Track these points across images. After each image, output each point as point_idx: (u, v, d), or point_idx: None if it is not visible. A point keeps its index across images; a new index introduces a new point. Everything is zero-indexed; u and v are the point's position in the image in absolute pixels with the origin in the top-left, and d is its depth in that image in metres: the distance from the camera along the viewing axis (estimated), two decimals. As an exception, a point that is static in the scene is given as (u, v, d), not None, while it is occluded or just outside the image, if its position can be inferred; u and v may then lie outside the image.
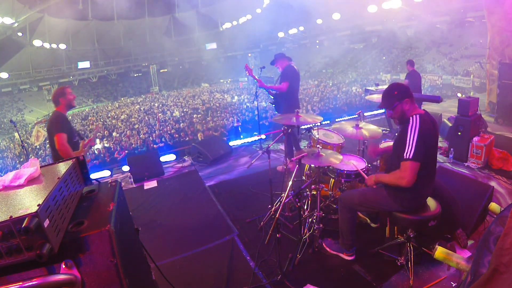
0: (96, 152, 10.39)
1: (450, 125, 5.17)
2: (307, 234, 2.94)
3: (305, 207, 3.23)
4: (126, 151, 9.70)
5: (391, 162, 2.43)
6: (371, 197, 2.44)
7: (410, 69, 6.54)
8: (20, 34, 23.48)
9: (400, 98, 2.23)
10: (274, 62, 4.40)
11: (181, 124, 12.18)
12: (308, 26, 29.29)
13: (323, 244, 2.90)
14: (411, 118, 2.18)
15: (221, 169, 5.33)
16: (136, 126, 13.47)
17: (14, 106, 26.05)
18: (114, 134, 12.98)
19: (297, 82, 4.40)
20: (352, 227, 2.63)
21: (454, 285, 2.28)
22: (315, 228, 2.96)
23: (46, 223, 1.01)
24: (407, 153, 2.09)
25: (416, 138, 2.08)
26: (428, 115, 2.25)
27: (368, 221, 3.08)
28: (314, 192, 3.00)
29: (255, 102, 5.43)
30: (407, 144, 2.10)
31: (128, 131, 12.50)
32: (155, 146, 9.78)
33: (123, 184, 4.80)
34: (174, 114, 15.47)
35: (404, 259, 2.49)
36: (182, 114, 14.81)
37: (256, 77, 4.48)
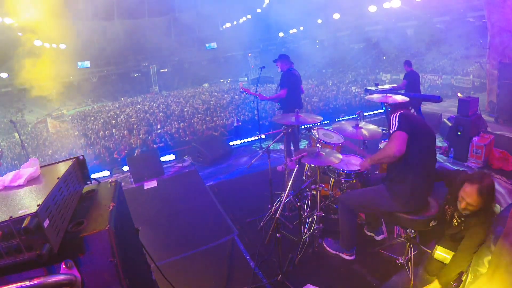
0: (96, 151, 10.39)
1: (450, 125, 5.17)
2: (307, 234, 2.95)
3: (305, 207, 3.23)
4: (126, 151, 9.69)
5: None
6: (371, 197, 2.44)
7: (408, 69, 6.53)
8: (20, 34, 23.46)
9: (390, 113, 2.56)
10: (277, 61, 4.47)
11: (180, 124, 12.17)
12: (308, 26, 29.26)
13: (323, 244, 2.90)
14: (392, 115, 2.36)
15: (221, 169, 5.33)
16: (135, 126, 13.45)
17: (14, 106, 26.03)
18: (113, 131, 12.98)
19: (297, 86, 4.47)
20: (353, 228, 2.63)
21: (454, 285, 2.28)
22: (315, 228, 2.96)
23: (46, 223, 1.01)
24: (392, 128, 2.23)
25: (398, 118, 2.24)
26: (410, 113, 2.41)
27: (373, 235, 2.99)
28: (314, 192, 3.00)
29: (255, 102, 5.44)
30: (391, 125, 2.25)
31: (126, 131, 12.48)
32: (155, 146, 9.77)
33: (123, 184, 4.80)
34: (175, 112, 15.46)
35: (404, 259, 2.49)
36: (182, 114, 14.80)
37: (255, 92, 4.68)
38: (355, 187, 3.11)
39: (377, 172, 3.44)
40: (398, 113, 2.29)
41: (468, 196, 1.98)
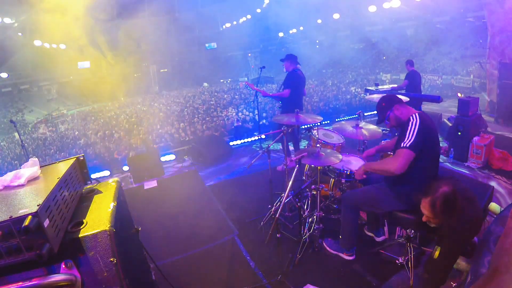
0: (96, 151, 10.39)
1: (450, 125, 5.17)
2: (307, 234, 2.94)
3: (305, 207, 3.23)
4: (126, 151, 9.68)
5: None
6: (374, 195, 2.44)
7: (410, 69, 6.53)
8: (20, 34, 23.45)
9: (389, 106, 2.36)
10: (284, 60, 4.46)
11: (180, 124, 12.16)
12: (308, 26, 29.25)
13: (324, 243, 2.90)
14: (411, 117, 2.22)
15: (221, 169, 5.33)
16: (135, 126, 13.45)
17: (14, 106, 26.02)
18: (114, 131, 12.98)
19: (301, 88, 4.48)
20: (354, 227, 2.63)
21: (454, 285, 2.28)
22: (315, 228, 2.96)
23: (46, 223, 1.01)
24: (405, 142, 2.13)
25: (417, 131, 2.12)
26: (425, 114, 2.29)
27: (374, 236, 3.00)
28: (314, 192, 3.00)
29: (255, 102, 5.45)
30: (407, 135, 2.14)
31: (122, 133, 12.46)
32: (155, 146, 9.76)
33: (123, 184, 4.80)
34: (175, 113, 15.46)
35: (404, 259, 2.49)
36: (182, 114, 14.79)
37: (258, 88, 4.67)
38: (355, 187, 3.11)
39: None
40: (419, 122, 2.14)
41: (424, 209, 1.88)
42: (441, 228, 1.95)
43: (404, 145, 2.12)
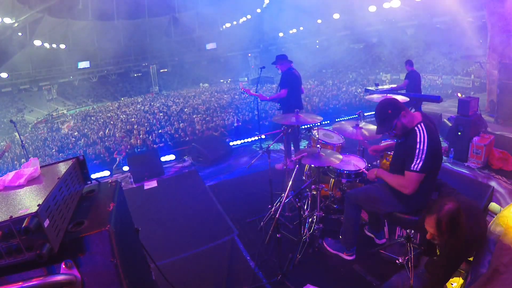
0: (96, 152, 10.39)
1: (450, 125, 5.17)
2: (307, 234, 2.94)
3: (305, 207, 3.23)
4: (127, 151, 9.69)
5: (393, 165, 2.43)
6: (375, 194, 2.43)
7: (409, 69, 6.53)
8: (20, 34, 23.46)
9: (397, 114, 2.16)
10: (276, 62, 4.45)
11: (180, 124, 12.17)
12: (308, 26, 29.27)
13: (324, 243, 2.90)
14: (417, 129, 2.14)
15: (221, 169, 5.33)
16: (136, 126, 13.45)
17: (14, 106, 26.02)
18: (115, 131, 12.98)
19: (297, 86, 4.46)
20: (356, 226, 2.63)
21: (454, 284, 2.28)
22: (315, 228, 2.96)
23: (46, 223, 1.01)
24: (415, 165, 2.08)
25: (426, 151, 2.06)
26: (428, 119, 2.24)
27: (374, 237, 2.98)
28: (314, 192, 3.00)
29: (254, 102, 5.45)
30: (416, 156, 2.07)
31: (118, 134, 12.45)
32: (155, 146, 9.76)
33: (123, 184, 4.80)
34: (175, 113, 15.48)
35: (404, 259, 2.49)
36: (182, 114, 14.79)
37: (255, 92, 4.69)
38: (355, 187, 3.11)
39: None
40: (427, 138, 2.07)
41: (429, 226, 1.83)
42: (443, 245, 1.91)
43: (415, 168, 2.07)
